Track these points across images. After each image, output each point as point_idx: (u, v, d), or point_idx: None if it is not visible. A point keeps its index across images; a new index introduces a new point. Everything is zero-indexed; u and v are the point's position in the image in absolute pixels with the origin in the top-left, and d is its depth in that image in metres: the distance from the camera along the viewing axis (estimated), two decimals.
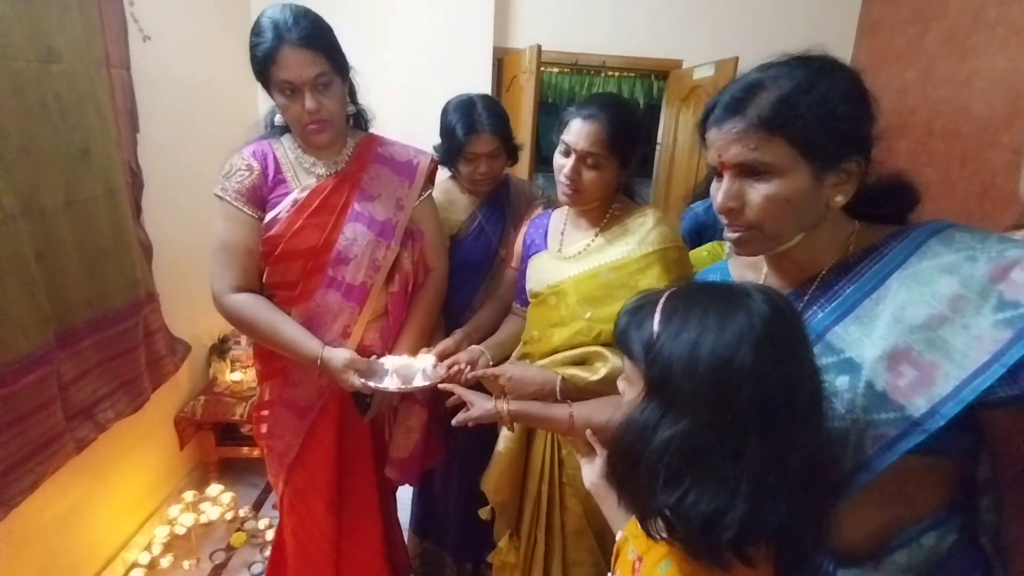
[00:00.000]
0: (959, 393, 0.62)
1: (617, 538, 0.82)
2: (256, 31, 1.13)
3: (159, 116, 1.98)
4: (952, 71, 2.55)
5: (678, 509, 0.58)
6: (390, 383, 1.19)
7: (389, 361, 1.24)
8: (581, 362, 1.14)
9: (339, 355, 1.19)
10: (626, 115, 1.11)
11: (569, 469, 1.19)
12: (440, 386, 1.18)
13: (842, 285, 0.73)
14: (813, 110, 0.65)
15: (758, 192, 0.69)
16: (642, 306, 0.67)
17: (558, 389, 1.11)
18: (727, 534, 0.57)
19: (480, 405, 1.12)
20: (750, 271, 0.88)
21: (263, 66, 1.13)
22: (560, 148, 1.13)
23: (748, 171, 0.69)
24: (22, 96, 1.34)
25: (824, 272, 0.75)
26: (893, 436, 0.66)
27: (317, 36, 1.14)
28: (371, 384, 1.17)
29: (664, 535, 0.63)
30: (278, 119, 1.30)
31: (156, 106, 1.96)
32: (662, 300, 0.65)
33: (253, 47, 1.14)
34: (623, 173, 1.15)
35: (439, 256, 1.43)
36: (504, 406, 1.10)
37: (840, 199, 0.70)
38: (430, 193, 1.41)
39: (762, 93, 0.68)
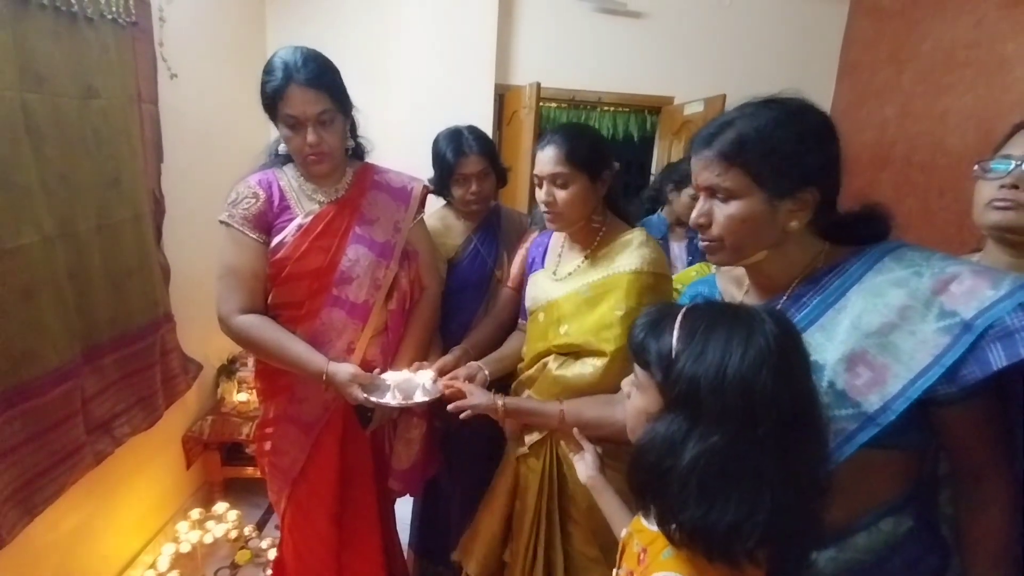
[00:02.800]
0: (907, 391, 0.71)
1: (622, 536, 0.86)
2: (268, 69, 1.24)
3: (182, 147, 2.09)
4: (928, 108, 2.70)
5: (703, 521, 0.61)
6: (391, 398, 1.24)
7: (391, 377, 1.30)
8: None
9: (344, 369, 1.25)
10: (578, 133, 1.21)
11: (570, 483, 1.22)
12: (444, 383, 1.26)
13: (809, 297, 0.82)
14: (760, 148, 0.76)
15: (721, 211, 0.81)
16: (660, 320, 0.71)
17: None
18: (748, 544, 0.60)
19: (478, 396, 1.21)
20: (733, 285, 0.97)
21: (272, 101, 1.24)
22: (536, 183, 1.24)
23: (714, 193, 0.81)
24: (64, 129, 1.45)
25: (794, 285, 0.84)
26: (851, 430, 0.75)
27: (322, 77, 1.24)
28: (373, 399, 1.23)
29: (684, 542, 0.65)
30: (281, 148, 1.37)
31: (179, 138, 2.08)
32: (680, 316, 0.69)
33: (264, 84, 1.24)
34: (596, 186, 1.22)
35: (432, 275, 1.52)
36: (500, 401, 1.20)
37: (795, 224, 0.80)
38: (422, 217, 1.50)
39: (728, 130, 0.79)
